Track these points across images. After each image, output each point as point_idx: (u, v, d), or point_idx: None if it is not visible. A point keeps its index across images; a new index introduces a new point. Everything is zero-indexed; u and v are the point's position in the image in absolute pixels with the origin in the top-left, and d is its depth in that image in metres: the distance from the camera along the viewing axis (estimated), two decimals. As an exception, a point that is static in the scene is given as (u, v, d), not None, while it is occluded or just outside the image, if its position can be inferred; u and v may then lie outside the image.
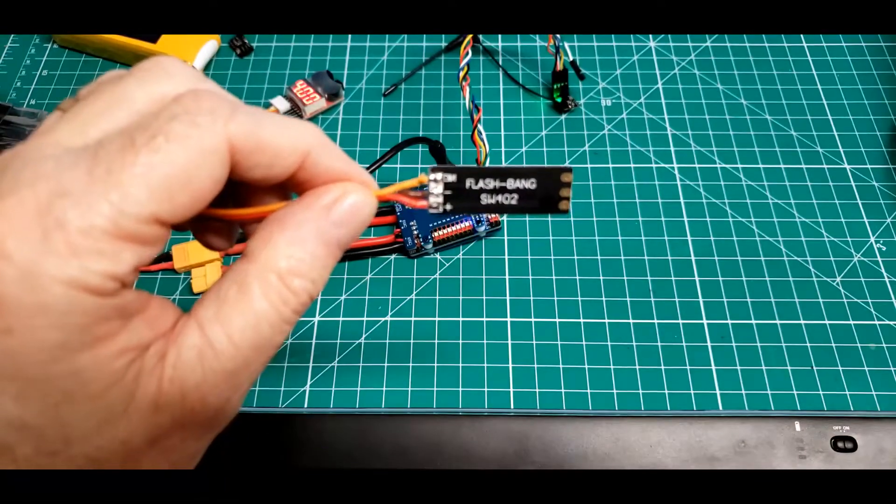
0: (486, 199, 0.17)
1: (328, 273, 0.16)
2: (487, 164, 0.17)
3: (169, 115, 0.14)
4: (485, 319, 0.32)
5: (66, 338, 0.13)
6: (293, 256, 0.15)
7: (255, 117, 0.15)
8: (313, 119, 0.39)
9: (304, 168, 0.16)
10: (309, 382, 0.31)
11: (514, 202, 0.17)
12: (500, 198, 0.17)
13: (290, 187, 0.17)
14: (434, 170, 0.17)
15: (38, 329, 0.12)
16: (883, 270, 0.33)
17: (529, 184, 0.17)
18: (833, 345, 0.31)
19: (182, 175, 0.13)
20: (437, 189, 0.17)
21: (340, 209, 0.16)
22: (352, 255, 0.34)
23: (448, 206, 0.17)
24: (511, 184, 0.17)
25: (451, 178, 0.17)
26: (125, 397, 0.14)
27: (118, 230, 0.13)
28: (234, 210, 0.17)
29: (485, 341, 0.31)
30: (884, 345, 0.31)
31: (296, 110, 0.39)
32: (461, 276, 0.33)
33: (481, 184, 0.17)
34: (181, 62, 0.16)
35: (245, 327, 0.15)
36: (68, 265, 0.12)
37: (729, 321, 0.32)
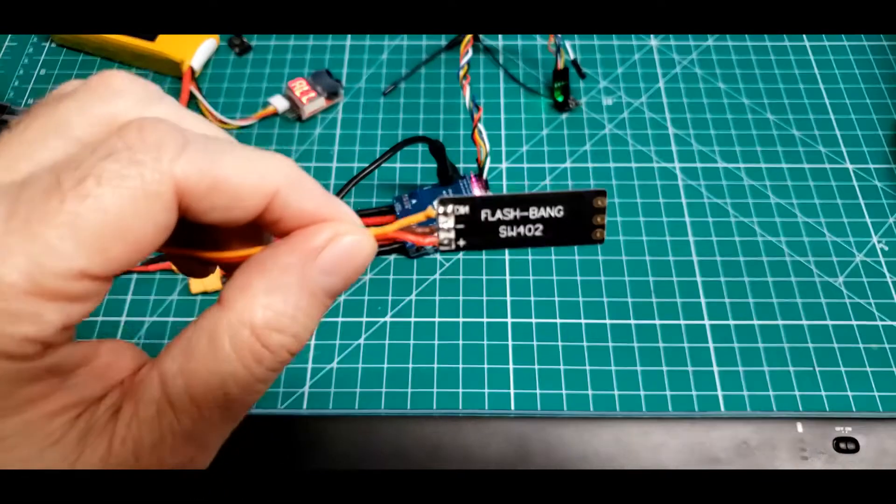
0: (505, 232, 0.15)
1: (313, 326, 0.14)
2: (506, 193, 0.15)
3: (105, 152, 0.12)
4: (485, 320, 0.32)
5: None
6: (272, 308, 0.13)
7: (211, 152, 0.13)
8: (312, 119, 0.39)
9: (270, 210, 0.14)
10: (308, 384, 0.30)
11: (538, 234, 0.15)
12: (521, 230, 0.15)
13: (263, 228, 0.15)
14: (443, 201, 0.15)
15: None
16: (885, 270, 0.33)
17: (556, 212, 0.15)
18: (835, 345, 0.31)
19: (117, 223, 0.12)
20: (447, 223, 0.15)
21: (331, 254, 0.14)
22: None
23: (461, 242, 0.15)
24: (534, 213, 0.15)
25: (464, 209, 0.15)
26: (66, 458, 0.12)
27: (37, 288, 0.11)
28: (208, 253, 0.15)
29: (485, 342, 0.31)
30: (886, 345, 0.31)
31: (295, 109, 0.39)
32: (461, 277, 0.33)
33: (499, 214, 0.15)
34: (133, 78, 0.14)
35: (211, 386, 0.13)
36: None
37: (731, 322, 0.32)
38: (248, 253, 0.14)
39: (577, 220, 0.15)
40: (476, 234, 0.15)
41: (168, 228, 0.13)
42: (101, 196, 0.11)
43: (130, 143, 0.12)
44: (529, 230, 0.15)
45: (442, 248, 0.15)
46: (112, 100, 0.13)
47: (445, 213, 0.15)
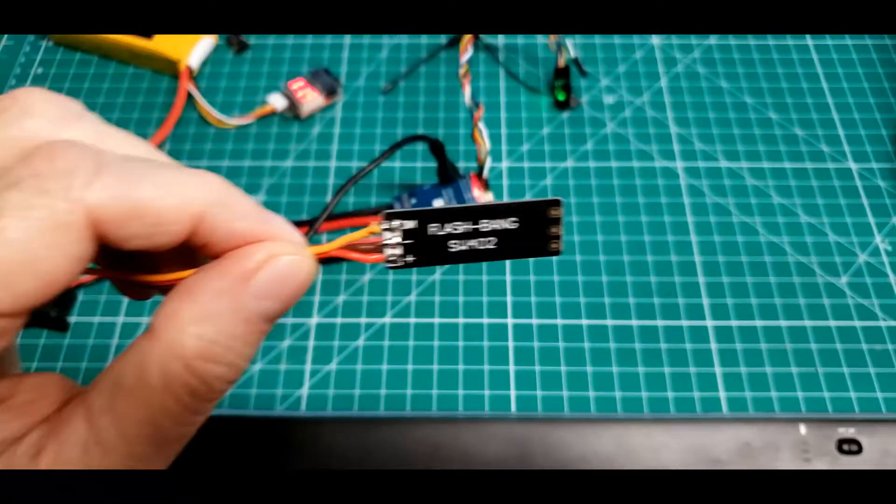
0: (456, 247, 0.14)
1: (251, 352, 0.13)
2: (455, 205, 0.14)
3: (10, 181, 0.11)
4: (485, 321, 0.32)
5: None
6: (203, 337, 0.12)
7: (129, 175, 0.12)
8: (310, 117, 0.39)
9: (197, 234, 0.13)
10: (306, 385, 0.30)
11: (491, 247, 0.14)
12: (473, 243, 0.14)
13: (195, 250, 0.14)
14: (387, 216, 0.14)
15: None
16: (888, 271, 0.33)
17: (509, 223, 0.14)
18: (838, 346, 0.31)
19: (23, 258, 0.11)
20: (393, 239, 0.14)
21: (266, 277, 0.13)
22: None
23: (409, 259, 0.14)
24: (486, 225, 0.14)
25: (410, 224, 0.14)
26: None
27: None
28: (140, 276, 0.14)
29: (485, 343, 0.31)
30: (889, 346, 0.31)
31: (293, 108, 0.38)
32: (461, 277, 0.33)
33: (448, 228, 0.14)
34: (48, 96, 0.13)
35: (142, 422, 0.12)
36: None
37: (733, 322, 0.31)
38: (182, 276, 0.13)
39: (532, 232, 0.14)
40: (425, 249, 0.14)
41: (83, 260, 0.12)
42: (4, 229, 0.11)
43: (38, 171, 0.11)
44: (481, 243, 0.14)
45: (389, 265, 0.14)
46: (23, 121, 0.13)
47: (391, 229, 0.14)
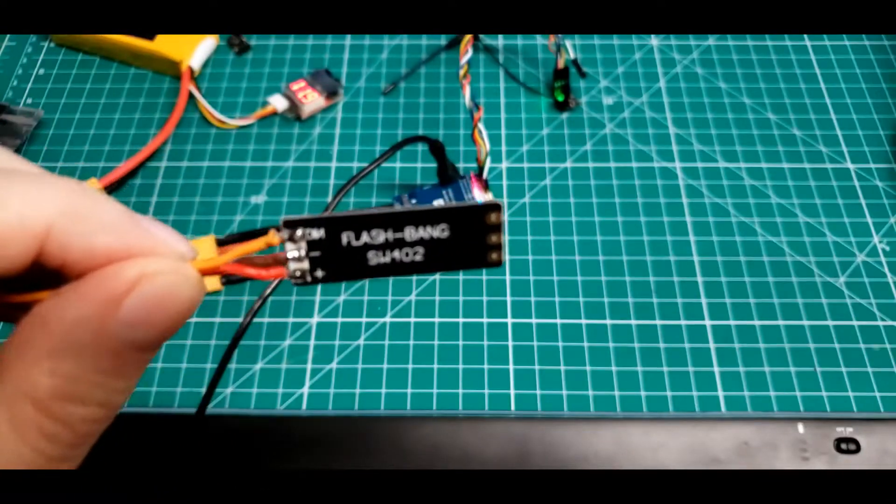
0: (375, 259, 0.12)
1: (131, 384, 0.11)
2: (371, 209, 0.13)
3: None
4: (485, 320, 0.32)
5: None
6: (59, 373, 0.10)
7: None
8: (311, 118, 0.39)
9: (47, 255, 0.11)
10: (307, 384, 0.30)
11: (418, 258, 0.12)
12: (397, 255, 0.12)
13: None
14: (288, 223, 0.12)
15: None
16: (886, 271, 0.33)
17: (439, 231, 0.12)
18: (836, 346, 0.31)
19: None
20: (297, 252, 0.12)
21: (138, 301, 0.11)
22: None
23: (318, 274, 0.12)
24: (412, 234, 0.12)
25: (318, 233, 0.12)
26: None
27: None
28: None
29: (485, 343, 0.31)
30: (887, 346, 0.31)
31: (294, 109, 0.39)
32: (461, 277, 0.33)
33: (366, 238, 0.12)
34: None
35: None
36: None
37: (732, 322, 0.32)
38: (38, 297, 0.11)
39: (466, 241, 0.12)
40: (337, 262, 0.12)
41: None
42: None
43: None
44: (407, 255, 0.12)
45: (294, 281, 0.12)
46: None
47: (293, 239, 0.12)
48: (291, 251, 0.12)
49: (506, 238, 0.12)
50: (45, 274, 0.11)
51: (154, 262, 0.11)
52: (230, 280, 0.32)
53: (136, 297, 0.11)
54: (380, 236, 0.12)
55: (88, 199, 0.11)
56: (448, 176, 0.34)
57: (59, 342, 0.10)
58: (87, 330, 0.10)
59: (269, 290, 0.31)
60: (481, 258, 0.13)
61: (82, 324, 0.10)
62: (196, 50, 0.40)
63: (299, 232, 0.12)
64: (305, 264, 0.12)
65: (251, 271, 0.12)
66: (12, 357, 0.10)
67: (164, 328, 0.11)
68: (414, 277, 0.33)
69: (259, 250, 0.12)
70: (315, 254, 0.12)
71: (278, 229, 0.12)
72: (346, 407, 0.30)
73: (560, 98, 0.39)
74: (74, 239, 0.11)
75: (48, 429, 0.10)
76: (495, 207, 0.12)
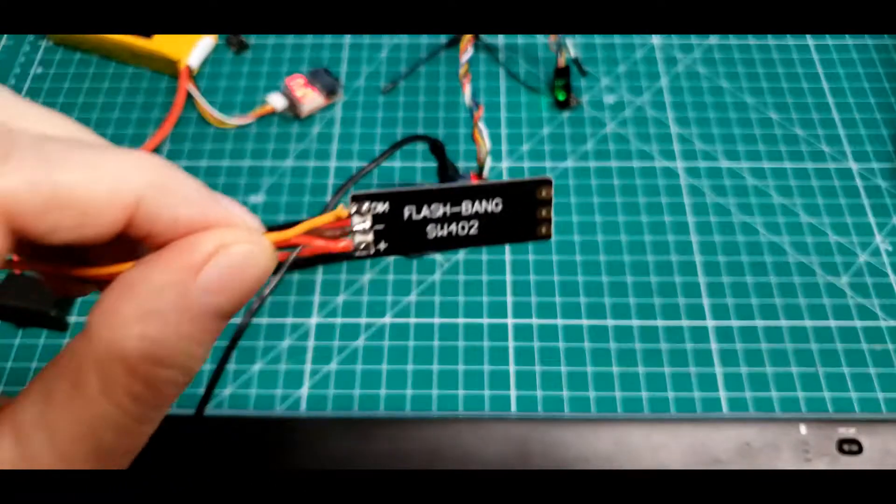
0: (434, 232, 0.13)
1: (203, 352, 0.12)
2: (431, 185, 0.13)
3: None
4: (485, 321, 0.32)
5: None
6: (146, 337, 0.11)
7: (48, 158, 0.10)
8: (310, 117, 0.39)
9: (135, 225, 0.11)
10: (306, 385, 0.30)
11: (474, 232, 0.13)
12: (454, 228, 0.13)
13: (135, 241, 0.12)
14: (356, 198, 0.13)
15: None
16: (889, 271, 0.33)
17: (494, 206, 0.13)
18: (838, 346, 0.31)
19: None
20: (362, 224, 0.13)
21: (216, 269, 0.11)
22: (350, 256, 0.33)
23: (381, 246, 0.13)
24: (468, 208, 0.13)
25: (382, 207, 0.13)
26: None
27: None
28: (75, 269, 0.12)
29: (485, 343, 0.31)
30: (890, 346, 0.31)
31: (293, 108, 0.38)
32: (461, 277, 0.33)
33: (426, 212, 0.13)
34: None
35: (79, 436, 0.11)
36: None
37: (733, 322, 0.31)
38: (121, 269, 0.12)
39: (519, 215, 0.13)
40: (399, 235, 0.13)
41: None
42: None
43: None
44: (463, 228, 0.13)
45: (358, 254, 0.13)
46: None
47: (360, 213, 0.13)
48: (358, 224, 0.13)
49: (554, 213, 0.13)
50: (113, 248, 0.12)
51: (232, 233, 0.12)
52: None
53: (216, 265, 0.11)
54: (439, 210, 0.13)
55: (173, 174, 0.12)
56: (448, 175, 0.34)
57: (146, 307, 0.11)
58: (171, 295, 0.11)
59: (267, 291, 0.31)
60: (531, 231, 0.13)
61: (167, 289, 0.11)
62: (194, 49, 0.39)
63: (366, 206, 0.13)
64: (370, 237, 0.13)
65: (320, 243, 0.13)
66: (102, 322, 0.11)
67: (241, 294, 0.12)
68: (414, 277, 0.33)
69: (328, 223, 0.13)
70: (379, 227, 0.13)
71: (347, 204, 0.13)
72: (346, 408, 0.30)
73: (561, 97, 0.38)
74: (161, 210, 0.11)
75: (134, 389, 0.11)
76: (547, 183, 0.13)
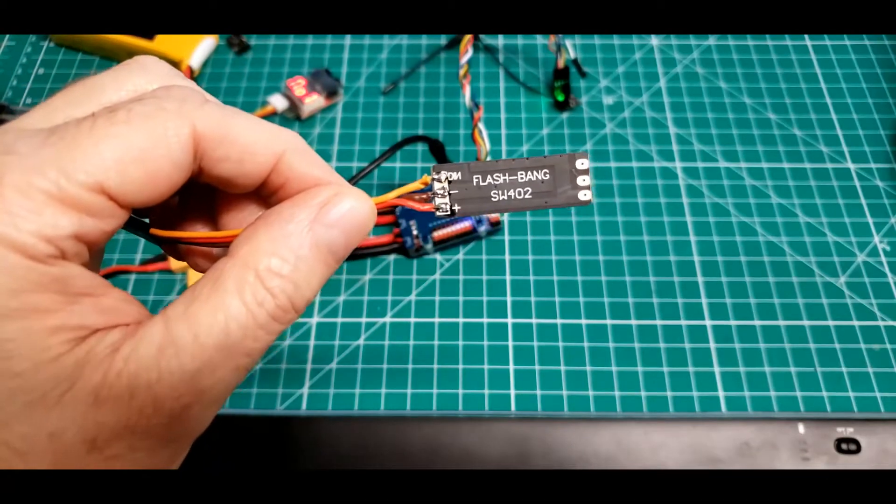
0: (496, 196, 0.16)
1: (316, 280, 0.15)
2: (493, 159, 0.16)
3: (135, 98, 0.14)
4: (485, 321, 0.32)
5: None
6: (276, 254, 0.14)
7: (228, 111, 0.14)
8: (311, 118, 0.39)
9: (278, 171, 0.15)
10: (307, 384, 0.30)
11: (528, 196, 0.16)
12: (511, 193, 0.16)
13: (264, 194, 0.16)
14: (437, 168, 0.16)
15: None
16: (887, 271, 0.33)
17: (543, 175, 0.16)
18: (837, 346, 0.31)
19: (138, 151, 0.13)
20: (442, 189, 0.16)
21: (334, 209, 0.15)
22: (350, 256, 0.34)
23: (456, 207, 0.16)
24: (522, 177, 0.16)
25: (457, 175, 0.16)
26: (60, 382, 0.12)
27: (59, 193, 0.12)
28: (206, 233, 0.16)
29: (485, 343, 0.31)
30: (888, 346, 0.31)
31: (294, 108, 0.38)
32: (461, 277, 0.33)
33: (490, 179, 0.16)
34: (161, 62, 0.16)
35: (213, 325, 0.13)
36: None
37: (732, 322, 0.32)
38: (234, 234, 0.15)
39: (562, 182, 0.16)
40: (469, 199, 0.16)
41: (182, 169, 0.14)
42: (130, 126, 0.13)
43: (158, 95, 0.14)
44: (519, 193, 0.16)
45: (439, 212, 0.16)
46: (141, 74, 0.15)
47: (440, 180, 0.16)
48: (438, 189, 0.16)
49: (592, 180, 0.15)
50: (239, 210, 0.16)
51: (347, 187, 0.15)
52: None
53: (336, 205, 0.15)
54: (500, 178, 0.16)
55: (307, 144, 0.16)
56: (448, 176, 0.34)
57: (276, 232, 0.14)
58: (299, 224, 0.14)
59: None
60: (574, 197, 0.16)
61: (294, 219, 0.14)
62: (196, 50, 0.40)
63: (443, 175, 0.16)
64: (447, 199, 0.16)
65: (413, 204, 0.16)
66: (241, 242, 0.14)
67: (350, 235, 0.15)
68: (415, 277, 0.33)
69: (417, 189, 0.16)
70: (454, 192, 0.16)
71: (431, 173, 0.16)
72: (346, 407, 0.30)
73: (560, 98, 0.38)
74: (298, 164, 0.15)
75: (259, 294, 0.14)
76: (583, 155, 0.16)
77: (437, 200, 0.16)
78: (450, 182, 0.16)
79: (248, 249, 0.14)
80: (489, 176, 0.16)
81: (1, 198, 0.12)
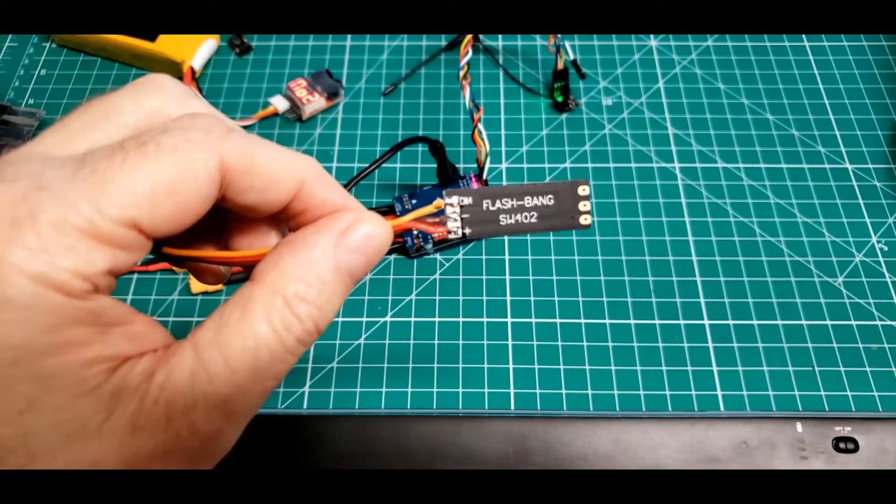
0: (504, 220, 0.17)
1: (338, 302, 0.15)
2: (505, 183, 0.17)
3: (162, 130, 0.14)
4: (485, 320, 0.32)
5: (30, 337, 0.12)
6: (302, 280, 0.14)
7: (251, 140, 0.15)
8: (312, 119, 0.39)
9: (299, 198, 0.15)
10: (308, 383, 0.30)
11: (534, 220, 0.17)
12: (518, 217, 0.17)
13: (284, 220, 0.16)
14: (449, 193, 0.17)
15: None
16: (884, 270, 0.33)
17: (547, 200, 0.17)
18: (835, 345, 0.31)
19: (168, 185, 0.13)
20: (454, 213, 0.17)
21: (355, 235, 0.15)
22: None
23: (467, 230, 0.17)
24: (529, 202, 0.17)
25: (468, 200, 0.16)
26: (99, 412, 0.13)
27: (93, 229, 0.12)
28: (220, 252, 0.16)
29: (485, 342, 0.31)
30: (885, 345, 0.31)
31: (295, 110, 0.39)
32: (461, 277, 0.33)
33: (498, 204, 0.17)
34: (174, 80, 0.16)
35: (243, 350, 0.14)
36: (35, 258, 0.12)
37: (730, 321, 0.32)
38: (264, 252, 0.15)
39: (565, 208, 0.17)
40: (479, 222, 0.17)
41: (209, 199, 0.14)
42: (159, 159, 0.13)
43: (184, 125, 0.14)
44: (526, 217, 0.17)
45: (451, 235, 0.17)
46: (158, 94, 0.15)
47: (452, 204, 0.17)
48: (451, 213, 0.17)
49: (592, 206, 0.16)
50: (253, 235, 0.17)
51: (365, 213, 0.16)
52: (231, 280, 0.32)
53: (356, 231, 0.15)
54: (508, 203, 0.17)
55: (325, 171, 0.16)
56: (448, 176, 0.35)
57: (302, 258, 0.15)
58: (321, 250, 0.15)
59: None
60: (576, 221, 0.17)
61: (318, 246, 0.15)
62: (197, 51, 0.40)
63: (456, 199, 0.17)
64: (459, 223, 0.17)
65: (425, 226, 0.17)
66: (267, 269, 0.15)
67: (370, 258, 0.16)
68: (415, 277, 0.33)
69: (431, 213, 0.17)
70: (466, 215, 0.17)
71: (443, 198, 0.17)
72: (347, 406, 0.30)
73: (559, 99, 0.39)
74: (318, 191, 0.16)
75: (287, 319, 0.14)
76: (584, 182, 0.17)
77: (450, 224, 0.17)
78: (461, 206, 0.17)
79: (275, 275, 0.14)
80: (498, 201, 0.17)
81: (38, 235, 0.12)
